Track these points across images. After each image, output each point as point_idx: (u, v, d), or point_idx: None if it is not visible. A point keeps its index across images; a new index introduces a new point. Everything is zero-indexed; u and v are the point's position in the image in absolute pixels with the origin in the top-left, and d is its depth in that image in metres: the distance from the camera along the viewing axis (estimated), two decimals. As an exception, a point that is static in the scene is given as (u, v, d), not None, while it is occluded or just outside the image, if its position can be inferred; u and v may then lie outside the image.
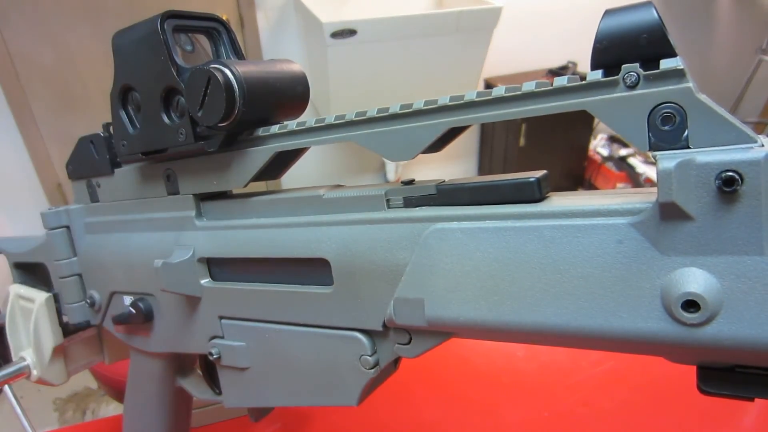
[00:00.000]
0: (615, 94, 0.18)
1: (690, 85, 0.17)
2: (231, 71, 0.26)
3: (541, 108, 0.20)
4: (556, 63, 2.13)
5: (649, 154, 0.18)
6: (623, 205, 0.18)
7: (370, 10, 1.73)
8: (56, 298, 0.42)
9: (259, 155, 0.28)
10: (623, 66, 0.18)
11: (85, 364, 0.46)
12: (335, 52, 1.56)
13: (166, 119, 0.29)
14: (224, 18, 0.31)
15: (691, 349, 0.17)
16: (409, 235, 0.23)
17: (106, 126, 0.36)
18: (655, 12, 0.17)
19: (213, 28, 0.31)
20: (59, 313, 0.43)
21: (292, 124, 0.26)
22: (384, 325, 0.25)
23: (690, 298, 0.17)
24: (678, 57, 0.17)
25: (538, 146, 2.07)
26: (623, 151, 2.14)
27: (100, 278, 0.39)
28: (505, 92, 0.20)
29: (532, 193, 0.21)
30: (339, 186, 0.28)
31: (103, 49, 1.61)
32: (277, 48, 1.83)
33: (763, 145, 0.16)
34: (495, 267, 0.21)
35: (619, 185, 2.09)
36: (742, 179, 0.16)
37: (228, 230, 0.30)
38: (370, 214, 0.25)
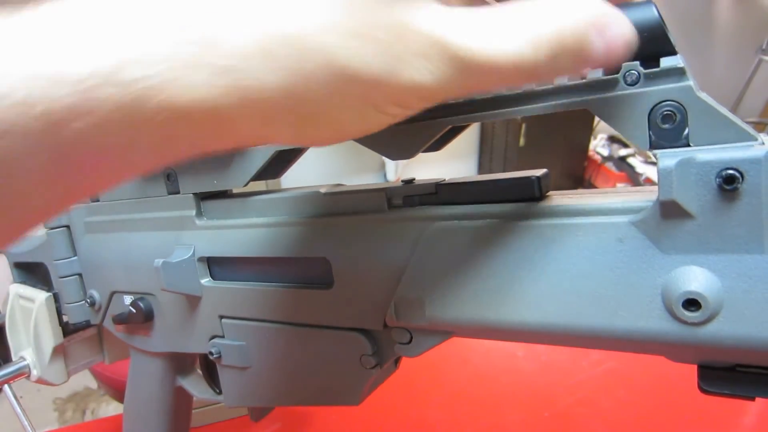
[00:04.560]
0: (615, 93, 0.18)
1: (690, 83, 0.17)
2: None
3: (542, 107, 0.20)
4: (556, 63, 2.12)
5: (650, 152, 0.18)
6: (624, 204, 0.18)
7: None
8: (56, 298, 0.42)
9: (260, 154, 0.28)
10: (623, 64, 0.18)
11: (85, 364, 0.46)
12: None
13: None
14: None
15: (691, 348, 0.17)
16: (410, 234, 0.23)
17: (106, 125, 0.36)
18: (655, 10, 0.17)
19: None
20: (59, 312, 0.43)
21: (292, 124, 0.26)
22: (384, 325, 0.25)
23: (691, 296, 0.17)
24: (678, 55, 0.17)
25: (538, 146, 2.07)
26: (623, 151, 2.14)
27: (100, 278, 0.39)
28: (505, 91, 0.20)
29: (533, 192, 0.21)
30: (339, 185, 0.28)
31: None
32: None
33: (763, 143, 0.16)
34: (495, 266, 0.21)
35: (619, 185, 2.09)
36: (742, 177, 0.16)
37: (228, 229, 0.30)
38: (371, 213, 0.25)
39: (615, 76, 0.18)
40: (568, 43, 0.15)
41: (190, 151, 0.16)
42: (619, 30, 0.16)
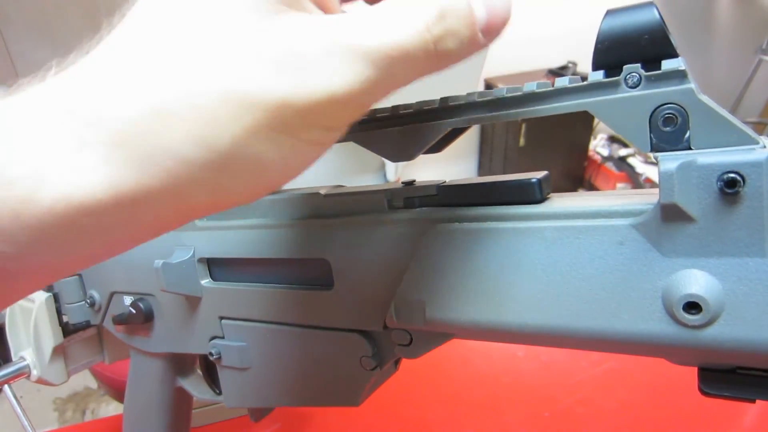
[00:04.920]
0: (616, 95, 0.18)
1: (692, 86, 0.17)
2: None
3: (543, 109, 0.20)
4: (556, 63, 2.12)
5: (651, 155, 0.18)
6: (624, 207, 0.18)
7: (370, 10, 1.72)
8: (56, 298, 0.42)
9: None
10: (625, 67, 0.18)
11: (85, 364, 0.46)
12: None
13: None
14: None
15: (692, 350, 0.17)
16: (410, 235, 0.23)
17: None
18: (656, 12, 0.17)
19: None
20: (59, 312, 0.43)
21: (292, 125, 0.26)
22: (385, 326, 0.25)
23: (691, 299, 0.17)
24: (680, 58, 0.17)
25: (538, 146, 2.07)
26: (623, 151, 2.14)
27: (100, 278, 0.39)
28: (506, 93, 0.20)
29: (533, 194, 0.21)
30: (339, 186, 0.28)
31: (103, 49, 1.60)
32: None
33: (765, 147, 0.16)
34: (496, 268, 0.21)
35: (618, 185, 2.09)
36: (744, 181, 0.16)
37: (228, 230, 0.30)
38: (371, 214, 0.25)
39: (616, 78, 0.18)
40: (455, 11, 0.15)
41: (108, 244, 0.15)
42: None
